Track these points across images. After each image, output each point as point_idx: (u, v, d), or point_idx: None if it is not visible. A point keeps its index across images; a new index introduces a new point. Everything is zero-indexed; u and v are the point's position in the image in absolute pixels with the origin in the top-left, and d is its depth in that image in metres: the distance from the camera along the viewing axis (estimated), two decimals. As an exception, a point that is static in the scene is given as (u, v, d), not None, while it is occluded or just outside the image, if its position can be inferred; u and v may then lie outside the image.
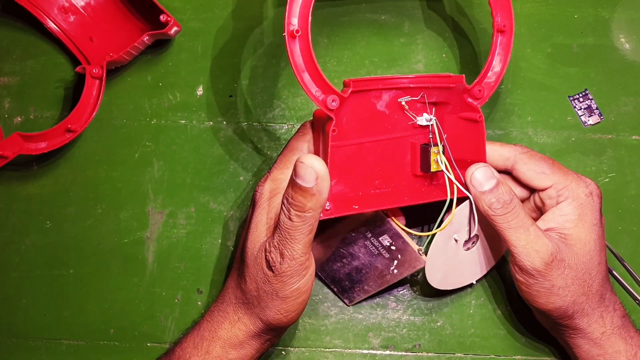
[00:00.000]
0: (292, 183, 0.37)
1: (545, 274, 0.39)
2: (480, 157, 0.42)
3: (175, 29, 0.50)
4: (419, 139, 0.42)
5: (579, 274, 0.40)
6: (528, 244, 0.39)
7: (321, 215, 0.38)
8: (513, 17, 0.44)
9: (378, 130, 0.41)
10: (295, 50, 0.37)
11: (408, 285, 0.48)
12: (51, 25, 0.52)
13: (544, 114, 0.51)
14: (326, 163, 0.39)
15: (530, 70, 0.52)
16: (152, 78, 0.52)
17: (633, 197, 0.49)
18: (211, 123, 0.51)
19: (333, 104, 0.38)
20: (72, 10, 0.53)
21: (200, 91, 0.52)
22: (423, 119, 0.41)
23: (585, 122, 0.51)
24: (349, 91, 0.39)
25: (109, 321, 0.47)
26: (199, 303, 0.47)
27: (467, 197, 0.41)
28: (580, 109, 0.51)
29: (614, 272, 0.47)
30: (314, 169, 0.36)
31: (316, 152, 0.42)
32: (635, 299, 0.46)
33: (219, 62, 0.53)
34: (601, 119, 0.51)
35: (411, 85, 0.40)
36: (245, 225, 0.43)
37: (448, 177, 0.41)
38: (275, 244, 0.38)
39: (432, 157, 0.41)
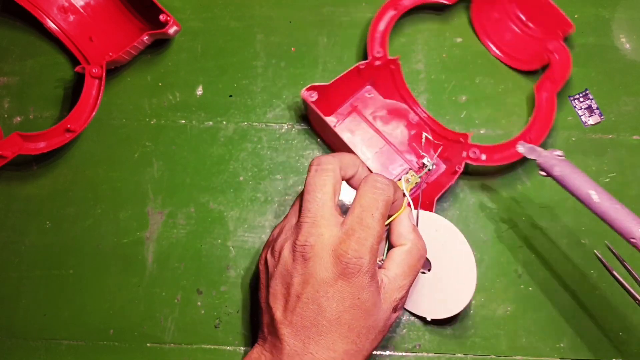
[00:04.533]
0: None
1: None
2: (432, 198, 0.46)
3: (174, 28, 0.50)
4: (413, 156, 0.49)
5: None
6: None
7: None
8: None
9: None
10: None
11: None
12: (51, 25, 0.52)
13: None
14: None
15: (531, 70, 0.52)
16: (152, 78, 0.52)
17: (634, 197, 0.49)
18: (211, 123, 0.51)
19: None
20: (72, 10, 0.53)
21: (200, 91, 0.52)
22: (426, 159, 0.46)
23: (586, 122, 0.51)
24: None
25: (108, 321, 0.47)
26: (199, 303, 0.47)
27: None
28: (581, 108, 0.51)
29: (614, 272, 0.47)
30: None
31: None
32: (635, 299, 0.46)
33: (219, 62, 0.53)
34: (602, 118, 0.51)
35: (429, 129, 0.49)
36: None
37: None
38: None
39: (403, 179, 0.44)
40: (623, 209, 0.35)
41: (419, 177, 0.46)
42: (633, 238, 0.34)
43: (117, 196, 0.50)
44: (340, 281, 0.36)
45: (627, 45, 0.53)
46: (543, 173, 0.39)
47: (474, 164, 0.46)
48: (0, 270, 0.48)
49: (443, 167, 0.49)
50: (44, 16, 0.52)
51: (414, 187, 0.46)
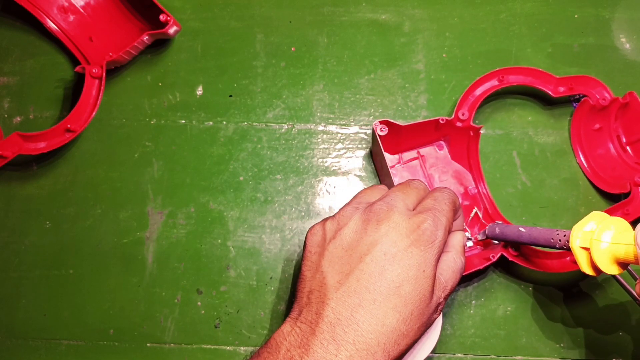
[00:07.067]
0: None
1: None
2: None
3: (174, 28, 0.50)
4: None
5: None
6: None
7: None
8: None
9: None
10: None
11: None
12: (51, 25, 0.52)
13: (545, 113, 0.51)
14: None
15: (531, 70, 0.52)
16: (152, 78, 0.52)
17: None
18: (211, 123, 0.51)
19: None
20: (72, 10, 0.53)
21: (200, 91, 0.52)
22: (467, 234, 0.47)
23: (586, 122, 0.51)
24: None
25: (108, 321, 0.47)
26: (199, 303, 0.47)
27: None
28: (581, 108, 0.51)
29: (614, 272, 0.47)
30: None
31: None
32: (635, 299, 0.46)
33: (219, 62, 0.53)
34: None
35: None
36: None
37: None
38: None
39: None
40: (542, 228, 0.41)
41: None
42: (552, 238, 0.39)
43: (117, 196, 0.50)
44: (412, 248, 0.35)
45: (627, 45, 0.53)
46: (496, 242, 0.45)
47: (510, 258, 0.45)
48: (0, 270, 0.48)
49: (479, 249, 0.47)
50: (44, 16, 0.52)
51: None
